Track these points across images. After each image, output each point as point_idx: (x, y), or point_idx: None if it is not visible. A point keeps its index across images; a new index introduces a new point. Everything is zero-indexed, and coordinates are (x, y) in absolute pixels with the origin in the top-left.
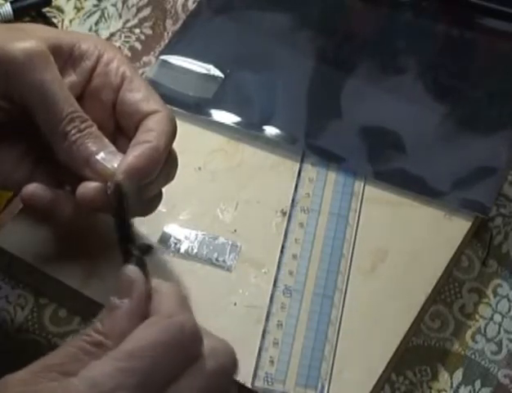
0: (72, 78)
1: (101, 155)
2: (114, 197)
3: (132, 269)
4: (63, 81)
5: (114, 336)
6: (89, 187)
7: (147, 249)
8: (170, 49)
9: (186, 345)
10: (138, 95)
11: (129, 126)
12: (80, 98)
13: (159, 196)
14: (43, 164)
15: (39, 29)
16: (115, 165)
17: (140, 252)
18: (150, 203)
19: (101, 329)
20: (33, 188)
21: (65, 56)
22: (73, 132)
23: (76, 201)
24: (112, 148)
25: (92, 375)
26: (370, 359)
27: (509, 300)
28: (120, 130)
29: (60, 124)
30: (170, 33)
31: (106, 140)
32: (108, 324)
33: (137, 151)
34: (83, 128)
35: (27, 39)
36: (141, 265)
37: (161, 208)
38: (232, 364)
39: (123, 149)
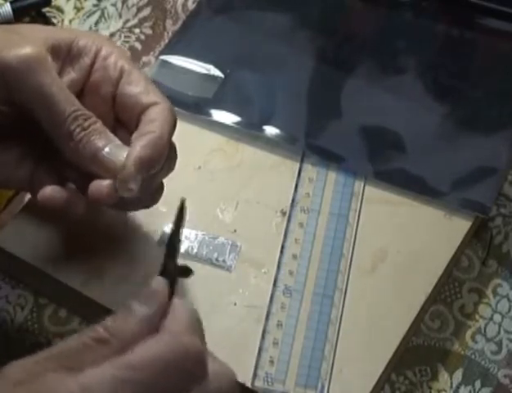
0: (71, 75)
1: (106, 150)
2: (177, 212)
3: (161, 282)
4: (62, 81)
5: (120, 338)
6: (102, 185)
7: (185, 271)
8: (170, 49)
9: (189, 367)
10: (138, 87)
11: (129, 119)
12: (80, 94)
13: (161, 188)
14: (45, 163)
15: (36, 29)
16: (123, 159)
17: (177, 271)
18: (153, 194)
19: (110, 327)
20: (49, 191)
21: (64, 55)
22: (77, 130)
23: (88, 199)
24: (117, 141)
25: (88, 381)
26: (370, 359)
27: (509, 300)
28: (120, 123)
29: (63, 124)
30: (170, 33)
31: (111, 134)
32: (119, 324)
33: (143, 141)
34: (86, 126)
35: (23, 45)
36: (172, 283)
37: (161, 208)
38: (233, 388)
39: (123, 142)
